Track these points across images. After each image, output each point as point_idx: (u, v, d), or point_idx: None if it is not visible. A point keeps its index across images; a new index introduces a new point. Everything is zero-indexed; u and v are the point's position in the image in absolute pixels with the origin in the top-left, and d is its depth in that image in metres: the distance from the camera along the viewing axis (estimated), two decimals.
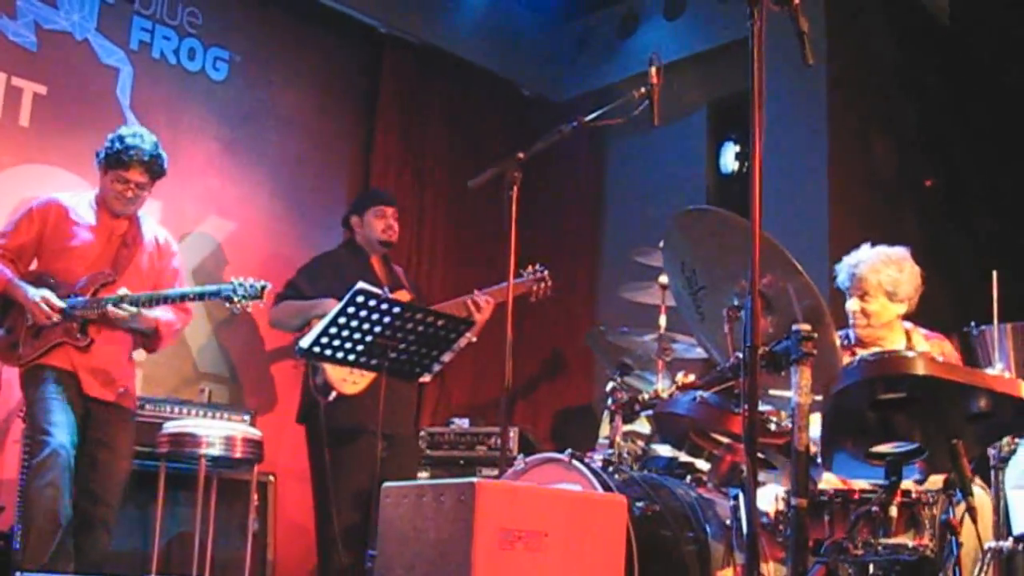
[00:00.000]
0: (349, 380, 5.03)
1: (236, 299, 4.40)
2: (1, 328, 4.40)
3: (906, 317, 4.25)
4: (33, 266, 4.50)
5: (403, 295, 5.12)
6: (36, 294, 4.30)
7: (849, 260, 4.23)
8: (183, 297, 4.49)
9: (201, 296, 4.49)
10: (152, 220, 4.78)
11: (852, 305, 4.18)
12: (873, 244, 4.26)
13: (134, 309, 4.34)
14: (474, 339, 5.25)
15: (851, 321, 4.20)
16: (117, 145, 4.49)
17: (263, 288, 4.45)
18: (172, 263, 4.74)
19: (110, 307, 4.30)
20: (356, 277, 4.89)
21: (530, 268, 5.50)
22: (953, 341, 4.25)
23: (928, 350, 4.03)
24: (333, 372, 5.00)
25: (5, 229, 4.50)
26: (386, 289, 4.90)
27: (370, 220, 5.44)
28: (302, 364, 5.18)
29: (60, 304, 4.30)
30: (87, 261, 4.46)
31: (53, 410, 4.24)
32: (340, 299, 4.99)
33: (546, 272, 5.49)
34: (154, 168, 4.54)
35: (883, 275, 4.12)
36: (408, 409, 5.55)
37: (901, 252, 4.20)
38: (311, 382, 5.13)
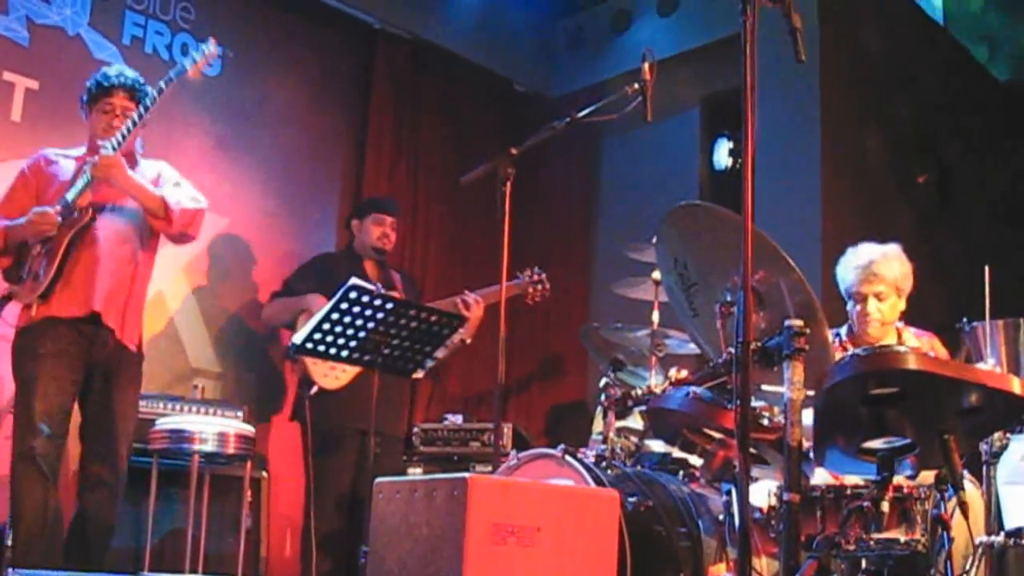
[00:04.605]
0: (331, 375, 5.05)
1: (189, 67, 4.42)
2: (25, 272, 4.32)
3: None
4: None
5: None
6: (28, 217, 4.27)
7: (856, 260, 4.16)
8: (152, 100, 4.36)
9: (160, 91, 4.37)
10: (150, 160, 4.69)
11: (870, 306, 4.11)
12: (862, 242, 4.24)
13: (111, 146, 4.29)
14: (468, 340, 5.30)
15: (866, 323, 4.12)
16: (97, 78, 4.48)
17: (207, 46, 4.47)
18: (174, 179, 4.62)
19: (101, 153, 4.27)
20: (346, 279, 4.93)
21: (527, 271, 5.56)
22: (942, 338, 4.25)
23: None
24: (314, 367, 5.00)
25: (2, 199, 4.46)
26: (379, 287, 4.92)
27: (368, 226, 5.55)
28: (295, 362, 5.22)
29: (53, 208, 4.27)
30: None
31: (44, 393, 4.19)
32: (329, 297, 5.04)
33: (543, 275, 5.62)
34: (137, 93, 4.45)
35: (896, 271, 4.11)
36: (396, 408, 5.56)
37: (898, 247, 4.20)
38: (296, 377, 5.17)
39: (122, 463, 4.38)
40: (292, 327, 5.27)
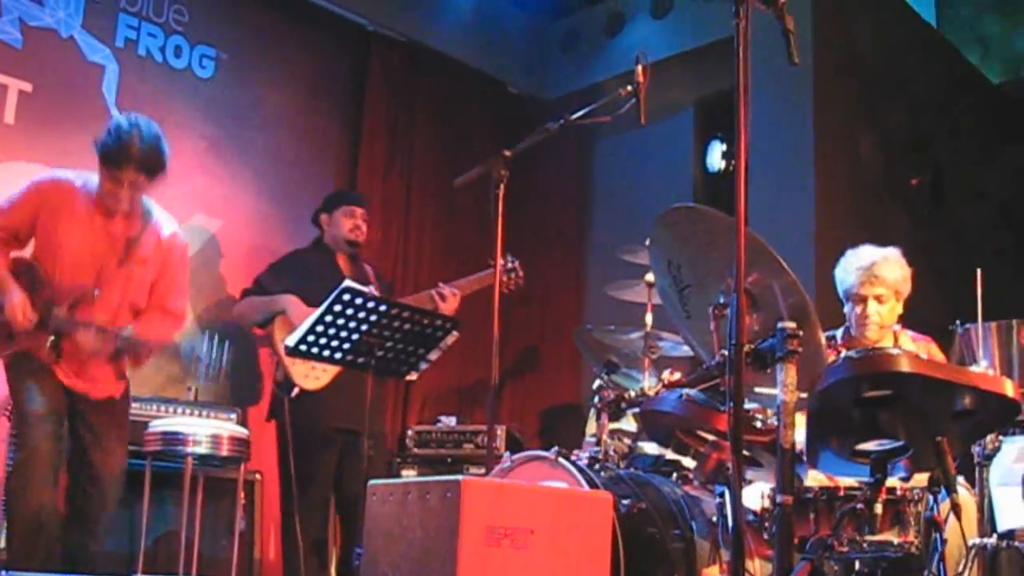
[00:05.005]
0: (311, 376, 4.98)
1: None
2: None
3: None
4: (31, 246, 4.33)
5: None
6: (15, 297, 4.12)
7: (857, 262, 4.16)
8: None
9: None
10: (158, 211, 4.47)
11: (869, 307, 4.12)
12: (859, 244, 4.24)
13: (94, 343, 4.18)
14: None
15: (865, 325, 4.13)
16: (110, 141, 4.14)
17: None
18: (172, 266, 4.47)
19: (77, 334, 4.16)
20: (320, 275, 4.88)
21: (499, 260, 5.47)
22: (939, 342, 4.25)
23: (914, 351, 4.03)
24: (293, 367, 4.95)
25: (4, 205, 4.28)
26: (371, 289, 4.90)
27: (339, 219, 5.42)
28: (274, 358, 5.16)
29: (33, 316, 4.13)
30: (76, 261, 4.23)
31: (36, 401, 4.15)
32: (302, 296, 4.99)
33: (516, 263, 5.45)
34: (150, 165, 4.19)
35: (897, 273, 4.11)
36: (378, 407, 5.50)
37: (898, 251, 4.20)
38: (274, 378, 5.12)
39: (107, 500, 4.31)
40: (263, 326, 5.22)
